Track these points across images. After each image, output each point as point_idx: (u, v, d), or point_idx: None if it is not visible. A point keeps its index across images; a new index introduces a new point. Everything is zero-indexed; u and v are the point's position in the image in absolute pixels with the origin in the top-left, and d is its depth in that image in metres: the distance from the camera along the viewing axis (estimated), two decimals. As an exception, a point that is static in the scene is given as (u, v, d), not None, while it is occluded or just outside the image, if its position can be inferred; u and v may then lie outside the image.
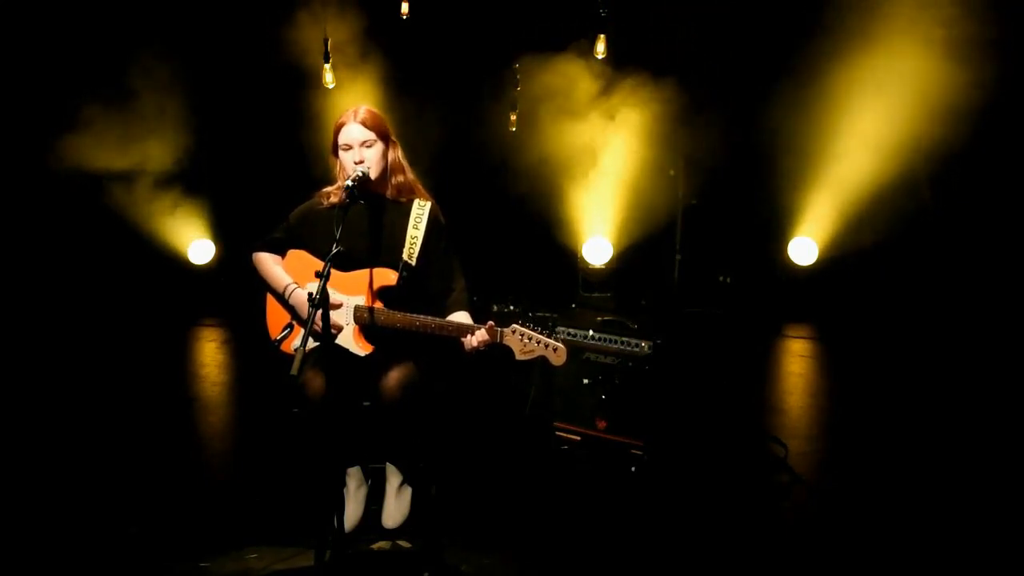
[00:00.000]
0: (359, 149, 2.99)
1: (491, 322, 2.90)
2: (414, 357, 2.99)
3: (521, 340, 2.89)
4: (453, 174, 5.89)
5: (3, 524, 3.30)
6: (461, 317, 3.02)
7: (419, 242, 3.06)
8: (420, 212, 3.11)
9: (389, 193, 3.11)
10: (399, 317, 2.92)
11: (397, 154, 3.12)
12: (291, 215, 3.17)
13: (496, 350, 2.93)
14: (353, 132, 2.99)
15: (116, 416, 4.53)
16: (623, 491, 3.76)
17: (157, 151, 6.55)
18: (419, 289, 3.06)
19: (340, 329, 2.98)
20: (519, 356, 2.91)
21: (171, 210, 6.77)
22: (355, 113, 3.02)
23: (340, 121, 3.03)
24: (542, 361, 2.91)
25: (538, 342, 2.89)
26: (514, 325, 2.89)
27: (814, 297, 6.75)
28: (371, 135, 3.00)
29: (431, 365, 3.08)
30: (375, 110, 3.09)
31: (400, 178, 3.11)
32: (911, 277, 6.43)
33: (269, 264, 3.12)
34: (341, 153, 3.03)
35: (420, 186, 3.18)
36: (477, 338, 2.88)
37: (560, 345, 2.90)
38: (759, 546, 3.27)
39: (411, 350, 3.00)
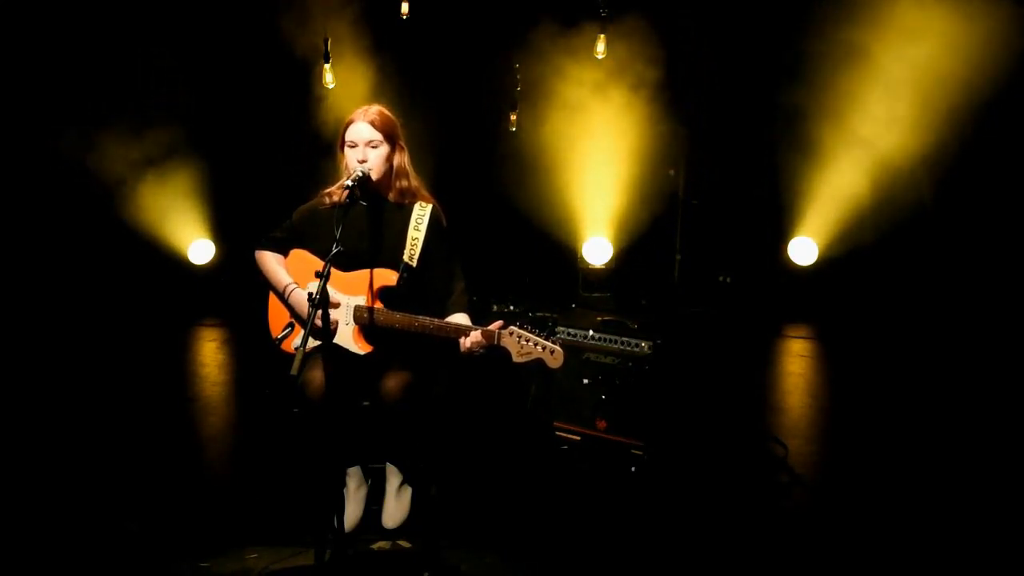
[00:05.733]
0: (364, 148, 2.98)
1: (493, 323, 2.88)
2: (414, 357, 2.99)
3: (518, 342, 2.87)
4: (453, 174, 5.89)
5: (4, 523, 3.30)
6: (460, 319, 3.01)
7: (420, 243, 3.06)
8: (421, 213, 3.10)
9: (391, 196, 3.09)
10: (398, 317, 2.92)
11: (403, 159, 3.09)
12: (294, 214, 3.17)
13: (494, 352, 2.92)
14: (360, 130, 2.99)
15: (116, 416, 4.52)
16: (623, 491, 3.76)
17: (158, 150, 6.55)
18: (419, 290, 3.05)
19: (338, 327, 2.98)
20: (516, 358, 2.89)
21: (171, 210, 6.77)
22: (366, 112, 3.02)
23: (350, 118, 3.02)
24: (539, 363, 2.90)
25: (535, 344, 2.86)
26: (511, 327, 2.87)
27: (814, 297, 6.74)
28: (378, 136, 2.99)
29: (431, 365, 3.07)
30: (388, 112, 3.07)
31: (404, 183, 3.10)
32: (910, 277, 6.43)
33: (271, 263, 3.12)
34: (346, 150, 3.02)
35: (425, 191, 3.17)
36: (471, 339, 2.87)
37: (557, 348, 2.87)
38: (759, 546, 3.27)
39: (411, 350, 3.00)
